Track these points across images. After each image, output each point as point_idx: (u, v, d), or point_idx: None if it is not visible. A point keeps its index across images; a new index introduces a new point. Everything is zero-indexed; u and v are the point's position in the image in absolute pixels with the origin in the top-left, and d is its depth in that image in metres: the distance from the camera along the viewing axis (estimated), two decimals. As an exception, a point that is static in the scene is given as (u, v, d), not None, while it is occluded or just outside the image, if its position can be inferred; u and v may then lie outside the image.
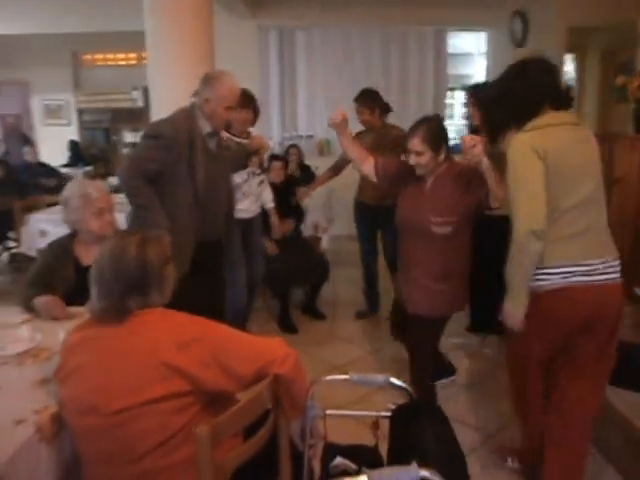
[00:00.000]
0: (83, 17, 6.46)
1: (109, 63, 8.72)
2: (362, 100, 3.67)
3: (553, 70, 1.92)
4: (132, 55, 8.43)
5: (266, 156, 3.43)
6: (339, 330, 3.88)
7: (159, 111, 3.37)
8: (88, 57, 8.77)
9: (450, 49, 7.56)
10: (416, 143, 2.24)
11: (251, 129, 3.34)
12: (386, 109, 3.78)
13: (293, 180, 4.49)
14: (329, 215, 5.07)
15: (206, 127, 2.51)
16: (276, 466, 1.54)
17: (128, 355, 1.32)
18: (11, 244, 5.49)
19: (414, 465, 1.13)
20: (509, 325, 1.95)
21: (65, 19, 6.49)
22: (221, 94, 2.46)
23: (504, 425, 2.63)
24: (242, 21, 6.25)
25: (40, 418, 1.35)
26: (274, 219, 3.81)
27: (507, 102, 1.91)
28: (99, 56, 8.71)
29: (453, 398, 2.87)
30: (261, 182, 3.52)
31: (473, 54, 9.02)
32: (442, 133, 2.31)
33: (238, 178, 3.24)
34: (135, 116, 8.46)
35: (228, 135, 2.85)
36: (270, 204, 3.75)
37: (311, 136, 6.87)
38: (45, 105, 8.84)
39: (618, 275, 1.88)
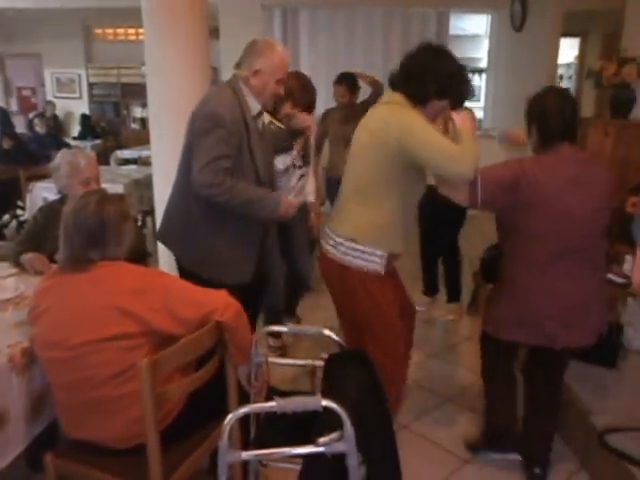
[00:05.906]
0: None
1: (120, 38, 8.91)
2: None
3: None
4: (142, 31, 8.57)
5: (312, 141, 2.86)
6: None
7: (153, 87, 3.57)
8: (99, 32, 8.96)
9: (457, 31, 7.56)
10: None
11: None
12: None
13: None
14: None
15: (255, 106, 2.17)
16: (226, 404, 1.77)
17: (88, 299, 1.53)
18: (19, 212, 5.75)
19: (318, 396, 1.33)
20: None
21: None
22: (275, 64, 2.12)
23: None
24: (246, -1, 6.35)
25: (12, 351, 1.58)
26: (313, 215, 3.26)
27: None
28: (110, 31, 8.90)
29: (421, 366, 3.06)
30: (302, 176, 3.06)
31: (481, 36, 8.99)
32: None
33: (280, 167, 2.91)
34: (144, 91, 8.60)
35: (271, 119, 2.59)
36: (310, 197, 3.19)
37: (310, 113, 7.03)
38: (57, 78, 9.08)
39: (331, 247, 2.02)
